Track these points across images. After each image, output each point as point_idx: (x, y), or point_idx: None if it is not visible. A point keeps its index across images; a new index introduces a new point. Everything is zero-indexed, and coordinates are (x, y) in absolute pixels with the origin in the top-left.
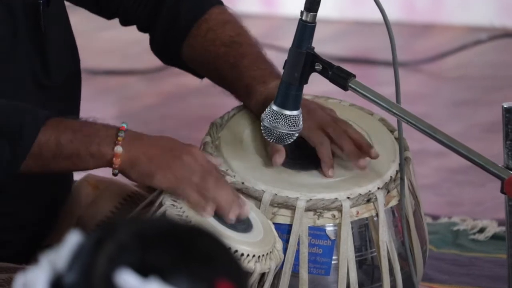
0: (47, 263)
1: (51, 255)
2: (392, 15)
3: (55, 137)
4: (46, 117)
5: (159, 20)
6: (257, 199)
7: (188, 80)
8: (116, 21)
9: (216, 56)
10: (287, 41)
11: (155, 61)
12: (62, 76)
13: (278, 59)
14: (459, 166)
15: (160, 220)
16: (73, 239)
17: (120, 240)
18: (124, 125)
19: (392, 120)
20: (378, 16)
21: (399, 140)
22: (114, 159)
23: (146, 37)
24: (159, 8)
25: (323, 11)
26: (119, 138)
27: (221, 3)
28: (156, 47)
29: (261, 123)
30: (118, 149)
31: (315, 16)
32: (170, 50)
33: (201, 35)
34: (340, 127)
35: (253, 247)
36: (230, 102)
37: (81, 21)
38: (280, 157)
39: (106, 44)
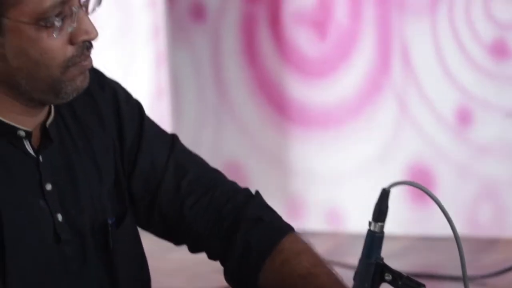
0: None
1: None
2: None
3: None
4: None
5: (232, 250)
6: None
7: None
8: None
9: None
10: (353, 258)
11: (223, 281)
12: None
13: (344, 276)
14: None
15: None
16: None
17: None
18: None
19: None
20: (441, 231)
21: None
22: None
23: None
24: (233, 237)
25: (387, 227)
26: None
27: (293, 230)
28: (231, 277)
29: None
30: None
31: (383, 226)
32: (246, 280)
33: (276, 267)
34: None
35: None
36: None
37: (151, 242)
38: None
39: (175, 264)
